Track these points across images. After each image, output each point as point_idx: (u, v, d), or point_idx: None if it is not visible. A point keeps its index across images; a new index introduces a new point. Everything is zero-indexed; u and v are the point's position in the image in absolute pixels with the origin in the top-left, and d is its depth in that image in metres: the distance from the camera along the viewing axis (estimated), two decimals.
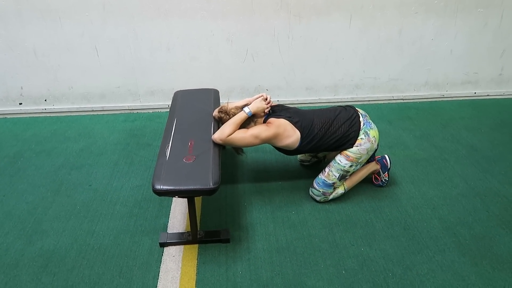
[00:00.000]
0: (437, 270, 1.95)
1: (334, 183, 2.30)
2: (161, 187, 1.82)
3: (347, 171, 2.28)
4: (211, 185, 1.83)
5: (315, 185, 2.35)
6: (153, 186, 1.83)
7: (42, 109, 3.44)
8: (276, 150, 2.36)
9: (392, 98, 3.69)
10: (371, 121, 2.32)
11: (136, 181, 2.58)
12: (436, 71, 3.60)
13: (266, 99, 2.25)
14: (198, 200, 2.41)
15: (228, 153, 2.90)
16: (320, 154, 2.67)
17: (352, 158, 2.24)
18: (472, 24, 3.40)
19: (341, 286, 1.87)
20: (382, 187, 2.52)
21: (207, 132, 2.22)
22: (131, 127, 3.27)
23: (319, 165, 2.67)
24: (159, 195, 1.85)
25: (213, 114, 2.35)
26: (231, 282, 1.90)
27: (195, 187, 1.83)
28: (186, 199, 1.97)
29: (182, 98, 2.66)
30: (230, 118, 2.20)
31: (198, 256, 2.04)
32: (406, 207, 2.36)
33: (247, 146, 2.18)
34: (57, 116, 3.44)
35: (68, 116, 3.44)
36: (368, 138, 2.23)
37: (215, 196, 2.42)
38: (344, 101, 3.62)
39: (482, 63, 3.60)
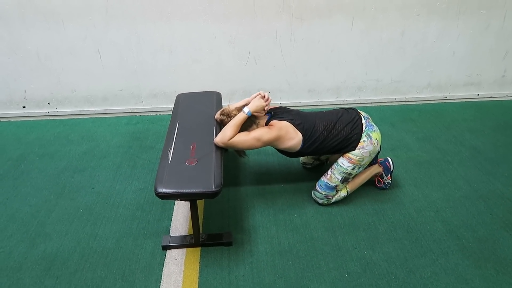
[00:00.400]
0: (440, 273, 1.94)
1: (336, 186, 2.30)
2: (164, 190, 1.82)
3: (350, 174, 2.27)
4: (213, 188, 1.83)
5: (317, 188, 2.34)
6: (155, 189, 1.83)
7: (45, 112, 3.46)
8: (279, 153, 2.35)
9: (395, 100, 3.69)
10: (373, 123, 2.31)
11: (139, 184, 2.59)
12: (438, 73, 3.60)
13: (264, 97, 2.23)
14: (200, 203, 2.41)
15: (231, 155, 2.90)
16: (323, 157, 2.67)
17: (354, 161, 2.23)
18: (475, 26, 3.39)
19: None
20: (385, 189, 2.51)
21: (209, 135, 2.23)
22: (133, 130, 3.28)
23: (322, 168, 2.66)
24: (162, 198, 1.85)
25: (215, 117, 2.36)
26: (234, 285, 1.89)
27: (198, 190, 1.83)
28: (189, 202, 1.97)
29: (185, 101, 2.67)
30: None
31: (200, 259, 2.04)
32: (409, 210, 2.35)
33: (249, 148, 2.17)
34: (60, 119, 3.45)
35: (71, 119, 3.45)
36: (370, 140, 2.23)
37: (217, 199, 2.42)
38: (346, 103, 3.61)
39: (484, 65, 3.59)
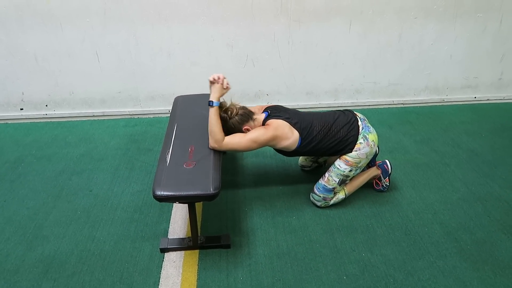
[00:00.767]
0: (438, 276, 1.94)
1: (334, 188, 2.30)
2: (162, 193, 1.82)
3: (347, 176, 2.27)
4: (211, 190, 1.83)
5: (315, 190, 2.34)
6: (153, 192, 1.83)
7: (43, 114, 3.45)
8: (277, 155, 2.36)
9: (392, 103, 3.70)
10: (369, 125, 2.32)
11: (137, 186, 2.58)
12: (436, 76, 3.61)
13: (214, 79, 2.09)
14: (198, 206, 2.41)
15: (229, 158, 2.90)
16: (321, 159, 2.67)
17: (351, 163, 2.24)
18: (472, 29, 3.41)
19: None
20: (383, 192, 2.52)
21: (207, 137, 2.22)
22: (131, 132, 3.27)
23: (320, 171, 2.67)
24: (160, 201, 1.85)
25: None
26: (232, 287, 1.89)
27: (196, 193, 1.83)
28: (187, 204, 1.97)
29: (183, 103, 2.67)
30: (234, 117, 2.17)
31: (198, 261, 2.04)
32: (407, 212, 2.35)
33: (246, 150, 2.17)
34: (58, 121, 3.45)
35: (69, 121, 3.45)
36: (367, 142, 2.23)
37: (215, 201, 2.42)
38: (344, 105, 3.62)
39: (481, 68, 3.61)
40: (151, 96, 3.45)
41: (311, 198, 2.39)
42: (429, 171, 2.73)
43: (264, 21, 3.21)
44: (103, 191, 2.54)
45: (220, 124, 2.10)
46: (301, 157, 2.72)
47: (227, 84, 2.13)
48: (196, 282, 1.92)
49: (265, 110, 2.30)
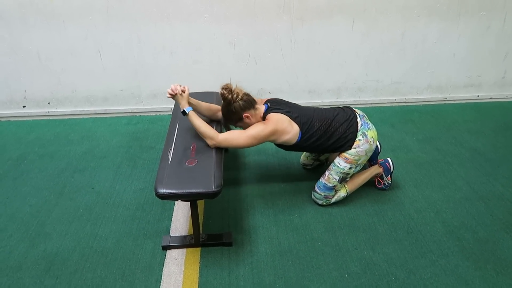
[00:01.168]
0: (440, 274, 1.94)
1: (335, 186, 2.30)
2: (164, 190, 1.82)
3: (347, 174, 2.27)
4: (213, 188, 1.83)
5: (316, 189, 2.34)
6: (155, 190, 1.83)
7: (46, 112, 3.46)
8: (279, 153, 2.35)
9: (395, 101, 3.69)
10: (369, 122, 2.31)
11: (139, 184, 2.59)
12: (438, 74, 3.60)
13: (172, 92, 2.12)
14: (200, 203, 2.41)
15: (231, 156, 2.90)
16: (322, 157, 2.67)
17: (351, 160, 2.23)
18: (475, 27, 3.40)
19: None
20: (385, 190, 2.51)
21: None
22: (133, 130, 3.28)
23: (322, 169, 2.66)
24: (162, 199, 1.85)
25: (220, 92, 2.23)
26: (234, 285, 1.89)
27: (198, 191, 1.83)
28: (189, 202, 1.97)
29: None
30: (238, 101, 2.14)
31: (200, 259, 2.04)
32: (409, 211, 2.35)
33: (246, 146, 2.15)
34: (60, 119, 3.45)
35: (71, 119, 3.45)
36: (366, 139, 2.22)
37: (217, 199, 2.42)
38: (346, 104, 3.61)
39: (485, 66, 3.60)
40: (153, 94, 3.46)
41: (313, 196, 2.39)
42: (431, 169, 2.72)
43: (266, 19, 3.20)
44: (105, 189, 2.54)
45: (205, 123, 2.11)
46: (302, 155, 2.71)
47: (183, 88, 2.14)
48: (198, 280, 1.92)
49: (265, 102, 2.28)
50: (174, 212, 2.35)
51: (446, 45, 3.46)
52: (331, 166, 2.28)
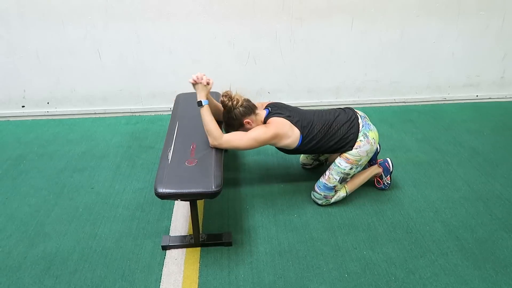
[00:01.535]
0: (440, 274, 1.94)
1: (335, 186, 2.30)
2: (164, 190, 1.82)
3: (348, 174, 2.27)
4: (213, 188, 1.83)
5: (316, 188, 2.34)
6: (155, 190, 1.83)
7: (45, 112, 3.45)
8: (278, 153, 2.35)
9: (394, 101, 3.69)
10: (370, 123, 2.32)
11: (138, 184, 2.58)
12: (437, 74, 3.60)
13: (196, 79, 2.06)
14: (200, 203, 2.41)
15: (230, 156, 2.90)
16: (322, 157, 2.67)
17: (352, 161, 2.23)
18: (474, 27, 3.40)
19: None
20: (384, 190, 2.52)
21: None
22: (133, 130, 3.27)
23: (321, 168, 2.66)
24: (162, 198, 1.85)
25: (220, 100, 2.25)
26: (234, 285, 1.89)
27: (197, 190, 1.83)
28: (189, 202, 1.97)
29: (184, 101, 2.67)
30: (238, 107, 2.16)
31: (200, 259, 2.04)
32: (408, 211, 2.35)
33: (247, 148, 2.16)
34: (60, 119, 3.45)
35: (71, 119, 3.45)
36: (367, 140, 2.23)
37: (217, 199, 2.42)
38: (346, 104, 3.62)
39: (483, 66, 3.60)
40: (152, 93, 3.45)
41: (312, 196, 2.39)
42: (430, 169, 2.73)
43: (266, 19, 3.20)
44: (105, 189, 2.54)
45: (215, 121, 2.09)
46: (302, 155, 2.72)
47: (208, 80, 2.09)
48: (197, 280, 1.92)
49: (266, 107, 2.29)
50: (173, 212, 2.35)
51: (445, 45, 3.46)
52: (332, 166, 2.29)
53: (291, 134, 2.17)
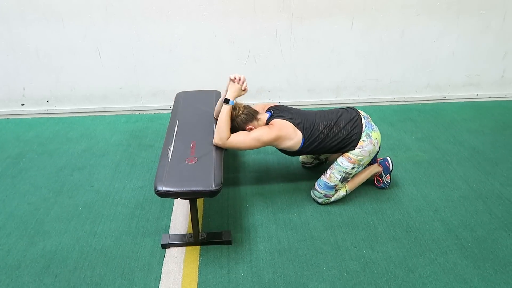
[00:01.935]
0: (439, 273, 1.94)
1: (336, 185, 2.30)
2: (164, 188, 1.82)
3: (349, 173, 2.27)
4: (213, 186, 1.83)
5: (317, 187, 2.34)
6: (155, 188, 1.83)
7: (44, 110, 3.45)
8: (278, 152, 2.36)
9: (394, 100, 3.69)
10: (373, 123, 2.32)
11: (138, 182, 2.58)
12: (438, 73, 3.60)
13: (235, 79, 2.10)
14: (200, 202, 2.41)
15: (230, 155, 2.90)
16: (322, 156, 2.67)
17: (354, 160, 2.24)
18: (474, 26, 3.40)
19: None
20: (384, 189, 2.52)
21: (209, 133, 2.23)
22: (133, 128, 3.27)
23: (321, 167, 2.67)
24: (161, 197, 1.85)
25: (215, 115, 2.34)
26: (233, 283, 1.89)
27: (197, 189, 1.83)
28: (188, 200, 1.97)
29: (184, 100, 2.67)
30: (240, 115, 2.18)
31: (200, 257, 2.04)
32: (408, 209, 2.35)
33: (249, 148, 2.17)
34: (59, 117, 3.45)
35: (70, 117, 3.45)
36: (370, 140, 2.23)
37: (217, 197, 2.42)
38: (346, 103, 3.62)
39: (484, 65, 3.60)
40: (152, 92, 3.45)
41: (312, 194, 2.39)
42: (430, 168, 2.73)
43: (266, 18, 3.20)
44: (104, 187, 2.54)
45: (229, 123, 2.11)
46: None
47: (246, 86, 2.13)
48: (197, 278, 1.92)
49: (268, 110, 2.30)
50: (173, 210, 2.35)
51: (445, 44, 3.46)
52: (334, 165, 2.29)
53: (294, 136, 2.18)
